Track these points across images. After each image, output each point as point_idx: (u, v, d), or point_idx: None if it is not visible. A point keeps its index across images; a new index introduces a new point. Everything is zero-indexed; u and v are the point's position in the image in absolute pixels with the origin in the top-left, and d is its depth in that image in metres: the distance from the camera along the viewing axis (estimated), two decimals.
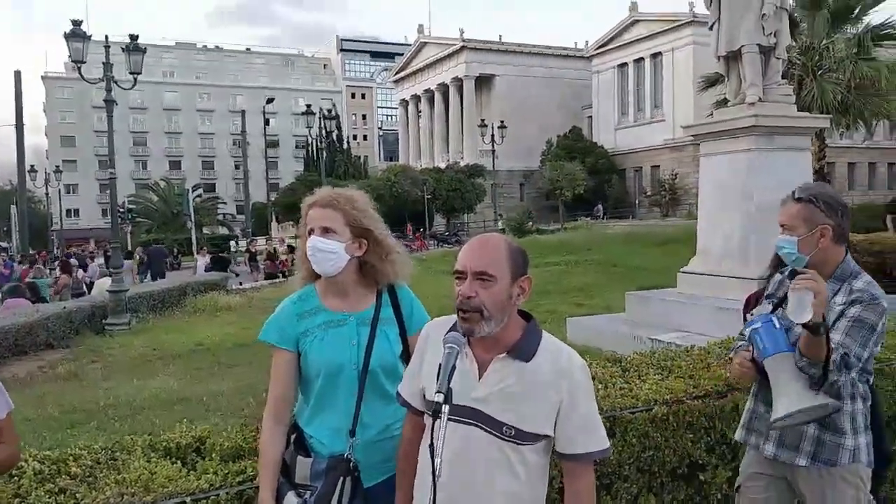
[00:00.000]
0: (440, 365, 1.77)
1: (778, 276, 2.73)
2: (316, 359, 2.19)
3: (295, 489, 2.12)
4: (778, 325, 2.37)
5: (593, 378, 3.39)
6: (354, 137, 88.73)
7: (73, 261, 22.57)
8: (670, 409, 3.13)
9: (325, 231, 2.21)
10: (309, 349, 2.20)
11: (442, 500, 1.70)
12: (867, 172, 54.50)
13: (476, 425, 1.84)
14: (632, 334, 8.14)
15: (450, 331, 1.88)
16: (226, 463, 2.50)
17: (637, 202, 54.35)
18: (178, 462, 2.52)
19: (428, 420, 1.91)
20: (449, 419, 1.74)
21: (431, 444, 1.71)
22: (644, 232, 27.00)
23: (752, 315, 2.57)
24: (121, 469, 2.44)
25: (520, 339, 1.88)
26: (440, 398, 1.70)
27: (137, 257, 23.41)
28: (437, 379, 1.74)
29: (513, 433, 1.83)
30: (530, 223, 37.81)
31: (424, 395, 1.95)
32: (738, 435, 2.68)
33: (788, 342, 2.34)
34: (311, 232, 2.22)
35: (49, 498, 2.20)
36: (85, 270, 21.27)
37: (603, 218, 47.21)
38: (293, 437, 2.23)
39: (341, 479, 2.08)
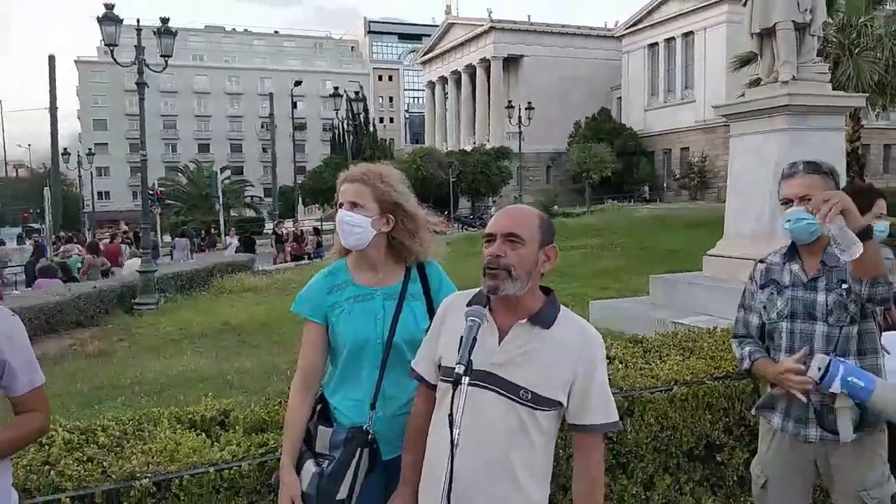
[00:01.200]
0: (461, 337, 1.79)
1: (762, 266, 2.68)
2: (342, 332, 2.24)
3: (315, 457, 2.17)
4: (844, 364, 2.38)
5: (613, 358, 3.40)
6: (381, 120, 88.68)
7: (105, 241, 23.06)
8: (690, 390, 3.13)
9: (353, 206, 2.25)
10: (336, 322, 2.25)
11: (459, 466, 1.72)
12: None
13: (493, 389, 1.87)
14: (655, 317, 8.07)
15: (471, 303, 1.90)
16: (249, 435, 2.56)
17: (665, 185, 53.65)
18: (203, 434, 2.59)
19: (441, 388, 1.94)
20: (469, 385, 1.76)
21: (451, 415, 1.73)
22: (672, 215, 26.67)
23: (810, 365, 2.38)
24: (147, 440, 2.51)
25: (540, 308, 1.92)
26: (461, 369, 1.72)
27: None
28: (459, 350, 1.77)
29: (529, 397, 1.85)
30: (555, 206, 37.56)
31: (440, 364, 1.97)
32: (776, 423, 2.58)
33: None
34: (340, 206, 2.27)
35: (77, 466, 2.27)
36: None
37: (647, 201, 46.59)
38: (318, 407, 2.28)
39: (359, 450, 2.12)
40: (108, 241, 23.87)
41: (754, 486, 2.72)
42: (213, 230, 33.31)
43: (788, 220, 2.50)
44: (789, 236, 2.56)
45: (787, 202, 2.53)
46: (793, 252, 2.60)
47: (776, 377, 2.49)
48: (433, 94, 74.59)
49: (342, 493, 2.09)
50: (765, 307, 2.61)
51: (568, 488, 2.75)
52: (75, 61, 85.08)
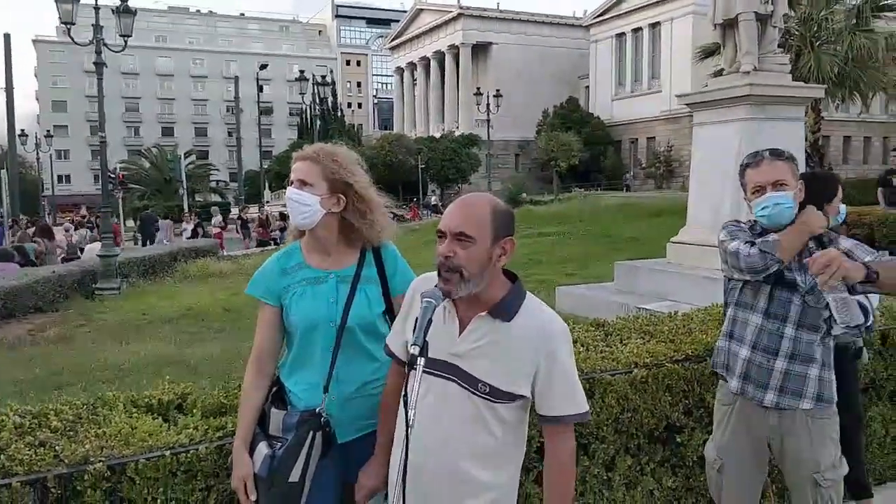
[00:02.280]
0: (415, 319, 1.78)
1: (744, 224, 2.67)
2: (296, 314, 2.21)
3: (268, 440, 2.15)
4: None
5: (575, 342, 3.41)
6: (349, 105, 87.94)
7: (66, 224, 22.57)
8: (650, 372, 3.16)
9: (302, 184, 2.22)
10: (289, 305, 2.23)
11: (414, 450, 1.72)
12: (862, 147, 54.37)
13: (452, 380, 1.86)
14: (619, 303, 8.17)
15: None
16: (207, 419, 2.52)
17: (632, 174, 54.22)
18: (160, 418, 2.54)
19: (406, 374, 1.93)
20: (426, 372, 1.76)
21: (405, 395, 1.72)
22: (638, 203, 26.96)
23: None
24: (101, 423, 2.46)
25: (502, 299, 1.88)
26: (415, 350, 1.71)
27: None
28: (413, 333, 1.76)
29: (487, 390, 1.84)
30: (524, 194, 37.72)
31: (408, 349, 1.97)
32: (734, 386, 2.62)
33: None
34: (291, 184, 2.24)
35: (29, 450, 2.21)
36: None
37: (628, 189, 46.88)
38: (274, 389, 2.26)
39: (311, 432, 2.10)
40: (70, 226, 23.36)
41: (709, 469, 2.76)
42: (167, 216, 32.68)
43: (765, 207, 2.49)
44: (764, 223, 2.55)
45: (759, 190, 2.51)
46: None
47: (798, 227, 2.44)
48: (402, 80, 74.10)
49: (294, 476, 2.08)
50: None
51: (531, 473, 2.78)
52: (33, 40, 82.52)
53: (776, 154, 2.54)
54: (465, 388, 1.86)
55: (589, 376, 3.02)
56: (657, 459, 3.22)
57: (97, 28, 13.73)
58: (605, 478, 3.08)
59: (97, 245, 14.27)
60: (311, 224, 2.24)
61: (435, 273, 1.99)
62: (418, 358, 1.71)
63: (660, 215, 19.93)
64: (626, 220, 21.49)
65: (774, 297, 2.54)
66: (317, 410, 2.14)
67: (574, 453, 1.99)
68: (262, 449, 2.13)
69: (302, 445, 2.09)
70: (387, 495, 2.01)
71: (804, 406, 2.51)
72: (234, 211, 36.24)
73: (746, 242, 2.54)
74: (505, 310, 1.87)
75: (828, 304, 2.34)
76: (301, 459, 2.08)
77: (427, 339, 1.73)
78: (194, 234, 23.17)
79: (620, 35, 56.84)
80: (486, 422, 1.86)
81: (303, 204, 2.20)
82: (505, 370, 1.85)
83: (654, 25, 53.54)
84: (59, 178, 68.46)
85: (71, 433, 2.37)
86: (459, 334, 1.88)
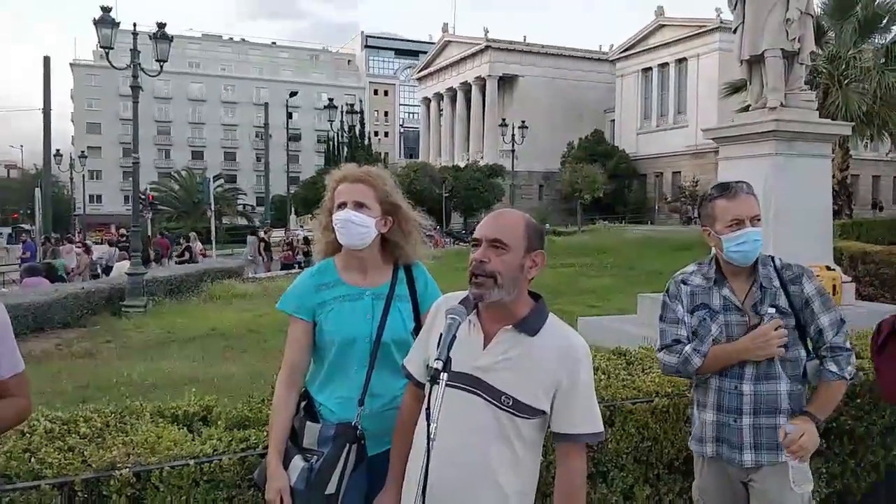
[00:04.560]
0: (440, 335, 1.82)
1: (685, 287, 2.57)
2: (331, 330, 2.26)
3: (302, 453, 2.19)
4: None
5: (597, 369, 3.42)
6: (376, 134, 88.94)
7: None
8: (671, 402, 3.15)
9: (359, 206, 2.26)
10: (325, 320, 2.27)
11: (436, 464, 1.74)
12: (892, 186, 53.72)
13: (476, 393, 1.89)
14: (641, 335, 8.10)
15: (459, 303, 1.92)
16: (230, 431, 2.56)
17: (657, 207, 53.99)
18: (185, 428, 2.59)
19: (428, 388, 1.95)
20: (449, 385, 1.78)
21: (428, 409, 1.75)
22: (662, 237, 26.83)
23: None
24: (129, 431, 2.52)
25: (527, 315, 1.93)
26: (439, 365, 1.73)
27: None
28: (437, 349, 1.79)
29: (511, 403, 1.87)
30: (547, 224, 37.71)
31: (428, 364, 2.00)
32: (710, 450, 2.53)
33: None
34: (341, 206, 2.27)
35: (58, 454, 2.27)
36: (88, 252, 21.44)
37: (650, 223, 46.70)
38: (303, 404, 2.30)
39: (348, 445, 2.14)
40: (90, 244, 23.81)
41: None
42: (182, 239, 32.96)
43: (744, 242, 2.41)
44: (737, 259, 2.45)
45: (737, 223, 2.41)
46: (720, 275, 2.52)
47: (751, 343, 2.40)
48: (428, 109, 74.94)
49: (331, 488, 2.12)
50: (695, 332, 2.52)
51: (549, 495, 2.78)
52: (71, 64, 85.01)
53: (749, 187, 2.48)
54: (489, 400, 1.88)
55: (610, 404, 3.02)
56: (676, 490, 3.18)
57: (134, 52, 14.16)
58: None
59: (125, 263, 14.51)
60: (365, 245, 2.29)
61: (457, 293, 2.04)
62: (441, 373, 1.74)
63: (683, 249, 19.81)
64: (649, 254, 21.39)
65: None
66: (352, 423, 2.18)
67: (585, 474, 2.01)
68: (298, 462, 2.16)
69: (339, 458, 2.13)
70: None
71: (783, 458, 2.42)
72: (260, 234, 36.63)
73: (666, 347, 2.54)
74: (530, 325, 1.91)
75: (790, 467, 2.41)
76: (337, 472, 2.12)
77: (450, 355, 1.76)
78: (181, 255, 23.30)
79: (647, 70, 57.10)
80: (507, 437, 1.89)
81: (361, 226, 2.25)
82: (528, 384, 1.88)
83: (681, 61, 53.74)
84: (91, 197, 69.83)
85: (99, 440, 2.44)
86: (484, 347, 1.92)
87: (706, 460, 2.59)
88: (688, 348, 2.49)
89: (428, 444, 1.71)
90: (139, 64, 14.14)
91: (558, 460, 1.99)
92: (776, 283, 2.47)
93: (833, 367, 2.44)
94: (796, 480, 2.40)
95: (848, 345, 2.48)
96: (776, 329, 2.40)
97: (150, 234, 29.71)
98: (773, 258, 2.54)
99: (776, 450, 2.43)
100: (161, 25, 14.62)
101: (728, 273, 2.52)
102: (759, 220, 2.45)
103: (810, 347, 2.52)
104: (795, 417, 2.44)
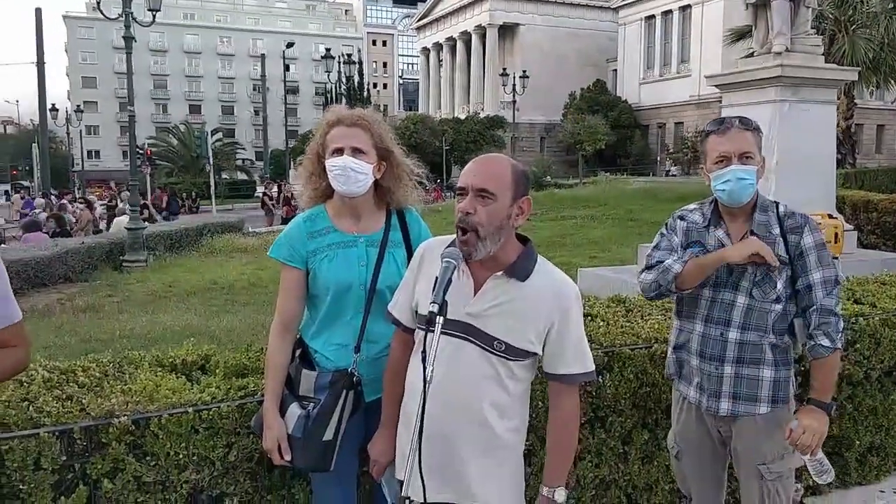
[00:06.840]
0: (436, 278, 1.80)
1: (682, 223, 2.52)
2: (325, 277, 2.23)
3: (298, 401, 2.19)
4: None
5: (595, 316, 3.42)
6: (374, 85, 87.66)
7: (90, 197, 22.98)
8: None
9: (356, 151, 2.20)
10: (318, 268, 2.24)
11: (431, 409, 1.74)
12: None
13: (468, 339, 1.89)
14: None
15: (448, 247, 1.90)
16: (229, 379, 2.57)
17: (659, 159, 53.59)
18: (183, 377, 2.60)
19: (419, 334, 1.94)
20: (442, 332, 1.76)
21: (424, 352, 1.74)
22: (664, 188, 26.64)
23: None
24: (127, 380, 2.52)
25: (516, 260, 1.91)
26: (434, 308, 1.72)
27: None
28: (433, 292, 1.77)
29: (503, 348, 1.88)
30: (548, 177, 37.52)
31: (417, 311, 1.98)
32: (692, 396, 2.51)
33: None
34: (337, 151, 2.20)
35: (56, 403, 2.28)
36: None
37: (666, 174, 46.17)
38: (298, 351, 2.29)
39: (344, 392, 2.14)
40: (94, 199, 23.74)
41: (671, 457, 2.70)
42: (191, 195, 32.84)
43: (727, 180, 2.32)
44: (723, 198, 2.38)
45: (722, 160, 2.33)
46: (717, 216, 2.46)
47: (733, 248, 2.34)
48: (427, 60, 73.73)
49: (328, 435, 2.12)
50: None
51: (545, 438, 2.80)
52: (63, 16, 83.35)
53: (745, 123, 2.36)
54: (482, 346, 1.89)
55: (608, 349, 3.03)
56: None
57: (126, 1, 13.85)
58: (621, 451, 3.09)
59: (125, 218, 14.48)
60: (363, 192, 2.24)
61: (442, 237, 2.03)
62: (437, 317, 1.72)
63: (685, 200, 19.67)
64: (652, 206, 21.28)
65: (716, 302, 2.42)
66: (349, 370, 2.17)
67: (577, 412, 2.03)
68: (295, 410, 2.17)
69: (336, 405, 2.13)
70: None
71: (760, 411, 2.41)
72: (260, 189, 36.55)
73: (663, 251, 2.48)
74: (520, 270, 1.90)
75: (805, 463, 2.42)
76: (335, 418, 2.12)
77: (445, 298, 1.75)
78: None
79: (650, 18, 55.94)
80: (500, 378, 1.91)
81: (360, 173, 2.20)
82: (520, 328, 1.89)
83: (685, 8, 52.59)
84: (89, 153, 69.30)
85: (97, 388, 2.44)
86: (474, 294, 1.90)
87: (687, 406, 2.56)
88: (668, 260, 2.43)
89: (424, 386, 1.71)
90: (131, 13, 13.84)
91: (551, 401, 2.02)
92: (776, 230, 2.38)
93: (825, 342, 2.33)
94: (815, 473, 2.41)
95: (838, 309, 2.36)
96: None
97: (147, 190, 29.60)
98: (777, 204, 2.45)
99: (755, 401, 2.41)
100: None
101: (725, 214, 2.45)
102: (749, 157, 2.32)
103: (798, 303, 2.41)
104: (800, 408, 2.40)
